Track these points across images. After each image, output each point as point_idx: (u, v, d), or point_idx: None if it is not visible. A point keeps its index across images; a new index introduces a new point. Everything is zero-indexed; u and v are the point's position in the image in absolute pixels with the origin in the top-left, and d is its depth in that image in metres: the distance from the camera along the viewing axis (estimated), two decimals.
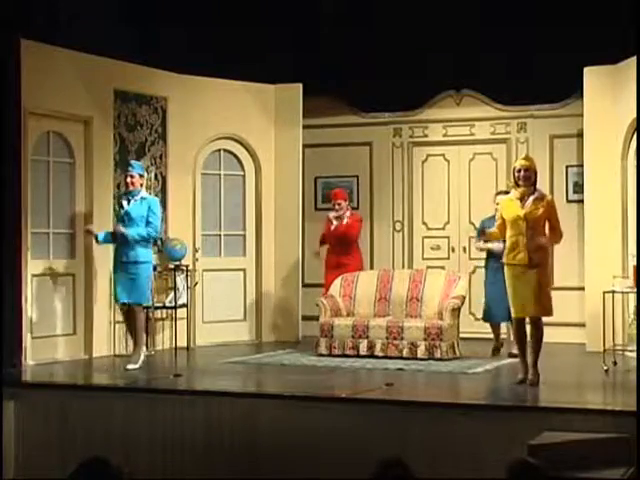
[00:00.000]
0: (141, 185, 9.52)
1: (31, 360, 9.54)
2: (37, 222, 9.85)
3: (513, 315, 8.30)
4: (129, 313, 9.49)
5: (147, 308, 10.65)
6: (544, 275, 8.22)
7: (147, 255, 9.46)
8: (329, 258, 11.17)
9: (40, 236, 9.92)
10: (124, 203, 9.50)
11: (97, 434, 7.89)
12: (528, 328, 8.31)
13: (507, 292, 8.24)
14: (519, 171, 8.19)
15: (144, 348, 9.63)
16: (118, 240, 9.40)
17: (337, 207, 11.09)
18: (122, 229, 9.32)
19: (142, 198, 9.45)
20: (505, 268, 8.23)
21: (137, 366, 9.31)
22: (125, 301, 9.44)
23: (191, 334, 11.12)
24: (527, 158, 8.43)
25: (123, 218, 9.44)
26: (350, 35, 11.54)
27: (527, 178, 8.15)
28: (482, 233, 9.66)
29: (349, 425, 7.31)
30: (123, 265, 9.35)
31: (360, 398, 7.68)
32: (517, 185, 8.19)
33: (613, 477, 6.20)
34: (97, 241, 9.66)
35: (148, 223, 9.36)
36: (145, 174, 9.81)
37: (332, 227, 11.08)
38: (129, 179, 9.46)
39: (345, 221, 11.05)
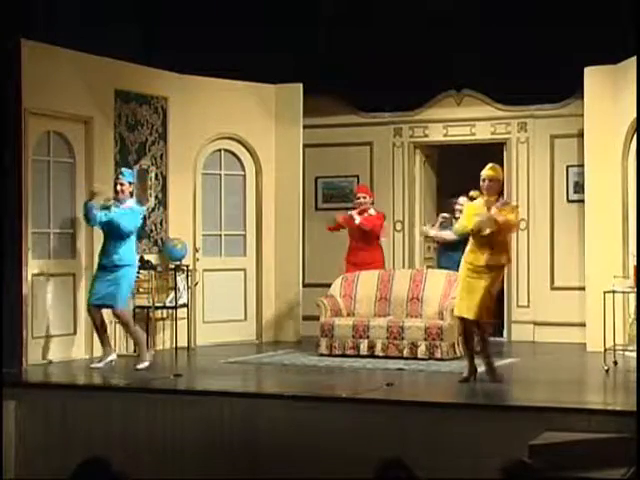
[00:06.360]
0: (130, 193, 9.48)
1: (31, 360, 9.53)
2: (37, 222, 9.84)
3: (456, 313, 8.37)
4: (101, 316, 9.40)
5: (148, 308, 10.69)
6: (496, 280, 8.32)
7: (131, 259, 9.41)
8: (352, 255, 11.00)
9: (40, 236, 9.92)
10: (113, 209, 9.37)
11: (97, 434, 7.89)
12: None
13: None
14: (483, 180, 8.29)
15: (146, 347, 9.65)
16: (102, 225, 9.32)
17: (362, 200, 10.96)
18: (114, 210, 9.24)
19: (130, 208, 9.40)
20: (463, 267, 8.29)
21: (146, 364, 9.31)
22: (98, 304, 9.34)
23: (191, 334, 11.11)
24: (493, 168, 8.42)
25: (107, 223, 9.36)
26: (350, 35, 11.53)
27: (490, 188, 8.25)
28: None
29: (349, 425, 7.31)
30: (104, 267, 9.32)
31: (360, 398, 7.69)
32: (482, 194, 8.30)
33: (613, 477, 6.20)
34: (86, 205, 9.42)
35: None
36: (134, 182, 9.76)
37: (356, 222, 10.91)
38: (119, 187, 9.41)
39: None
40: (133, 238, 9.45)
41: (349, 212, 11.08)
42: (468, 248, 8.33)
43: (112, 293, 9.27)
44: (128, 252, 9.37)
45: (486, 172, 8.33)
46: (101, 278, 9.34)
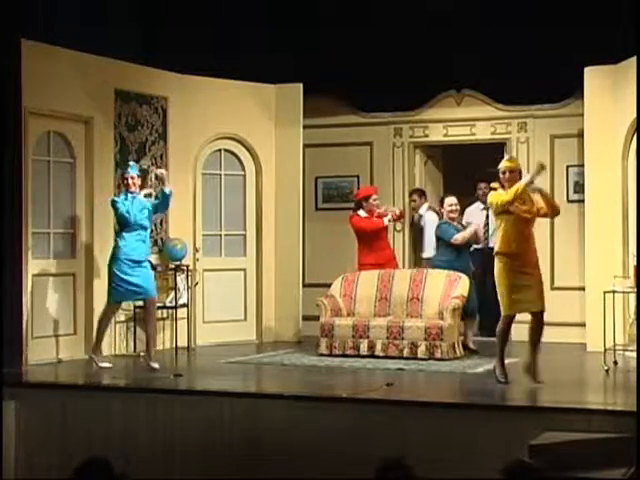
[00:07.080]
0: (140, 187, 9.56)
1: (31, 360, 9.53)
2: (38, 222, 9.84)
3: (517, 311, 8.31)
4: (146, 309, 9.51)
5: None
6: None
7: (149, 252, 9.69)
8: (373, 256, 10.89)
9: (40, 236, 9.92)
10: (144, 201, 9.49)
11: (97, 434, 7.90)
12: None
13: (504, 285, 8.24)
14: (504, 173, 8.24)
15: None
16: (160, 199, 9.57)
17: (377, 201, 11.01)
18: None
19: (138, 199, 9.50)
20: (502, 259, 8.21)
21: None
22: (139, 298, 9.49)
23: (192, 334, 11.11)
24: (511, 160, 8.46)
25: (149, 214, 9.50)
26: (350, 35, 11.52)
27: (511, 180, 8.21)
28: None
29: (349, 425, 7.31)
30: (135, 262, 9.32)
31: (360, 398, 7.69)
32: (502, 187, 8.23)
33: (613, 477, 6.21)
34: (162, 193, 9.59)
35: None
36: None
37: (388, 220, 10.94)
38: (130, 181, 9.43)
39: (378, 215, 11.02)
40: None
41: (385, 217, 10.99)
42: (507, 241, 8.20)
43: (150, 284, 9.42)
44: (147, 246, 9.61)
45: (505, 164, 8.29)
46: (132, 273, 9.31)
